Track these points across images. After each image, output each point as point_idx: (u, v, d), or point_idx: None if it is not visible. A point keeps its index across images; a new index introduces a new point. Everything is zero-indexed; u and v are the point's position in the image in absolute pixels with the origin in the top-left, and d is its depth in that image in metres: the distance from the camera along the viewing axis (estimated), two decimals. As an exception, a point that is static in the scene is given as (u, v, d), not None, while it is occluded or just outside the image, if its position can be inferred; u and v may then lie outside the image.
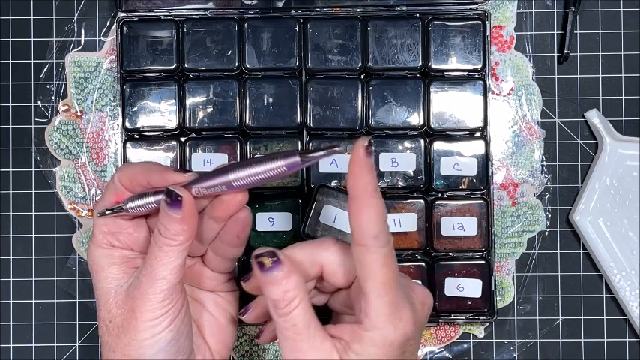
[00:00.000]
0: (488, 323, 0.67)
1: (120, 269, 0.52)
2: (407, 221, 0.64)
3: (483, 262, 0.64)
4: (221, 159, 0.64)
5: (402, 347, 0.49)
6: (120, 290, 0.51)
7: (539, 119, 0.67)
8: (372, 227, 0.47)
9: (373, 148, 0.46)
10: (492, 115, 0.66)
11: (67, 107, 0.67)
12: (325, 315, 0.56)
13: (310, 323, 0.48)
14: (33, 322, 0.68)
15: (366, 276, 0.47)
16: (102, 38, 0.68)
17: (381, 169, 0.64)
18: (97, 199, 0.67)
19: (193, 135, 0.65)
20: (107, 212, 0.52)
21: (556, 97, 0.68)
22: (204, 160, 0.64)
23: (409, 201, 0.64)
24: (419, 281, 0.64)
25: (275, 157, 0.49)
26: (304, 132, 0.65)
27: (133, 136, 0.65)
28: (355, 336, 0.48)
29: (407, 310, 0.48)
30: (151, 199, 0.51)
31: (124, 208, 0.52)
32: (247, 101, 0.64)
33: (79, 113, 0.67)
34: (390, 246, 0.48)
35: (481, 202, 0.64)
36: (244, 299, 0.56)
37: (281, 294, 0.48)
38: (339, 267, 0.51)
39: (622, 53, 0.68)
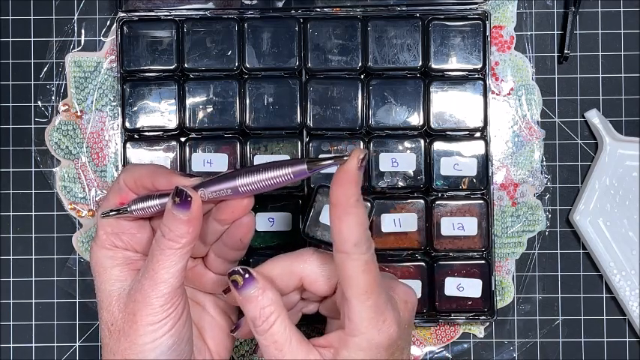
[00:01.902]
0: (488, 323, 0.67)
1: (123, 271, 0.52)
2: (407, 221, 0.64)
3: (483, 262, 0.64)
4: (221, 159, 0.64)
5: (390, 349, 0.49)
6: (122, 293, 0.51)
7: (539, 119, 0.67)
8: (353, 235, 0.47)
9: (365, 162, 0.47)
10: (492, 115, 0.66)
11: (67, 107, 0.67)
12: (319, 322, 0.57)
13: (291, 338, 0.49)
14: (33, 322, 0.68)
15: (347, 282, 0.48)
16: (102, 38, 0.68)
17: (381, 169, 0.64)
18: (96, 199, 0.67)
19: (193, 135, 0.65)
20: (111, 213, 0.52)
21: (556, 97, 0.68)
22: (204, 160, 0.64)
23: (409, 201, 0.64)
24: (418, 281, 0.64)
25: (282, 165, 0.49)
26: (304, 132, 0.65)
27: (133, 136, 0.65)
28: (342, 342, 0.49)
29: (389, 313, 0.49)
30: (157, 201, 0.51)
31: (128, 209, 0.52)
32: (247, 101, 0.64)
33: (79, 113, 0.67)
34: (371, 252, 0.48)
35: (481, 202, 0.64)
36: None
37: (258, 311, 0.49)
38: (319, 277, 0.52)
39: (622, 53, 0.67)
